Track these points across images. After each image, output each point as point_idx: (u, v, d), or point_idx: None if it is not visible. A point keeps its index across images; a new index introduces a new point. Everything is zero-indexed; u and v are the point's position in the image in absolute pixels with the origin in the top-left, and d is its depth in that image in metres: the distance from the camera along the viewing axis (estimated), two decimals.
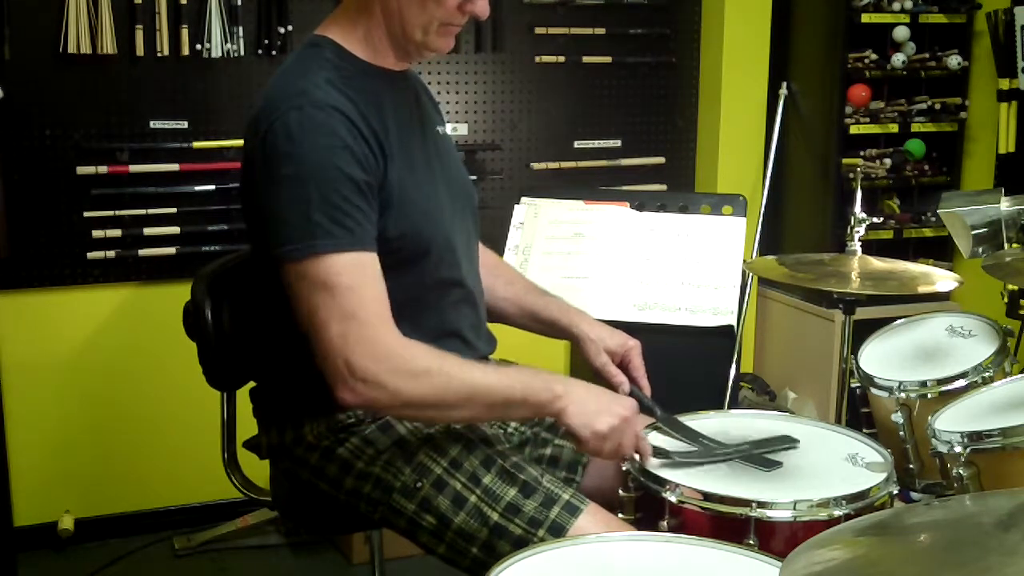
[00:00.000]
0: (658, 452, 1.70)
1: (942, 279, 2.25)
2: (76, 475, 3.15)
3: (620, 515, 1.66)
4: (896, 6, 3.51)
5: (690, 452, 1.73)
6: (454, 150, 1.93)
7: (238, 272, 1.96)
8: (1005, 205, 2.42)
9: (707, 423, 1.85)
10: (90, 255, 3.03)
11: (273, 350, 1.78)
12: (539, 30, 3.42)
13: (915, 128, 3.60)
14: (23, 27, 2.90)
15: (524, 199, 2.63)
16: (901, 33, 3.55)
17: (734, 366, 3.37)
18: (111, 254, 3.04)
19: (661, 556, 1.40)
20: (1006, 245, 2.41)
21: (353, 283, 1.57)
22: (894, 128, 3.59)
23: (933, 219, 3.58)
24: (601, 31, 3.48)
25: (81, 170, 2.99)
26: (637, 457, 1.67)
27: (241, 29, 3.06)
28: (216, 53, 3.03)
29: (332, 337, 1.56)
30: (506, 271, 2.10)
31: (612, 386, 1.86)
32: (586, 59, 3.49)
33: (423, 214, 1.71)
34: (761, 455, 1.71)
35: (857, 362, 2.33)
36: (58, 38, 2.90)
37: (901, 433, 2.17)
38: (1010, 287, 2.43)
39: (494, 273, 2.00)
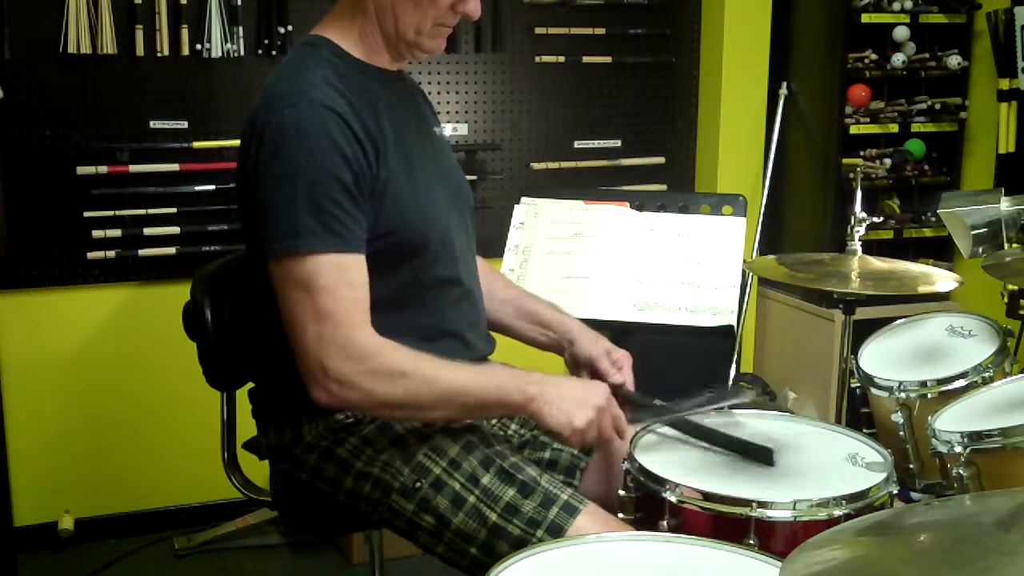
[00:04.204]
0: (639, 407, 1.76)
1: (942, 279, 2.25)
2: (76, 475, 3.15)
3: (620, 515, 1.66)
4: (896, 6, 3.52)
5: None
6: (450, 151, 1.94)
7: (238, 272, 1.96)
8: (1005, 205, 2.42)
9: (706, 423, 1.84)
10: (90, 255, 3.03)
11: (271, 350, 1.78)
12: (539, 30, 3.42)
13: (915, 128, 3.60)
14: (23, 27, 2.90)
15: (524, 199, 2.63)
16: (901, 33, 3.55)
17: (734, 366, 3.37)
18: (111, 254, 3.04)
19: (661, 556, 1.40)
20: (1006, 245, 2.41)
21: (331, 284, 1.58)
22: (894, 128, 3.59)
23: (933, 219, 3.58)
24: (601, 31, 3.48)
25: (81, 170, 2.99)
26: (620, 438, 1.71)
27: (241, 29, 3.06)
28: (216, 53, 3.03)
29: (307, 337, 1.58)
30: (503, 278, 2.12)
31: (602, 377, 1.87)
32: (586, 59, 3.49)
33: (420, 210, 1.71)
34: (751, 443, 1.72)
35: (857, 362, 2.33)
36: (58, 38, 2.90)
37: (901, 433, 2.17)
38: (1010, 287, 2.43)
39: (492, 277, 2.01)
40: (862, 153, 3.60)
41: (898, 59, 3.52)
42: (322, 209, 1.58)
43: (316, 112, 1.60)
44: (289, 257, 1.58)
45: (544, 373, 1.70)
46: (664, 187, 3.61)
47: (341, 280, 1.59)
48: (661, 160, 3.66)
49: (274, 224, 1.59)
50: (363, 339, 1.59)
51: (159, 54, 3.00)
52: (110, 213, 3.02)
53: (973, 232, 2.44)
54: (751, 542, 1.51)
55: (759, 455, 1.71)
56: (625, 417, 1.74)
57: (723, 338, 2.39)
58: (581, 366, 1.92)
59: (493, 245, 2.63)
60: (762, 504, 1.54)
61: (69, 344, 3.10)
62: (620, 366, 1.89)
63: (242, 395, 1.94)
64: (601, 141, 3.58)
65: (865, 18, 3.48)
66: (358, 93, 1.66)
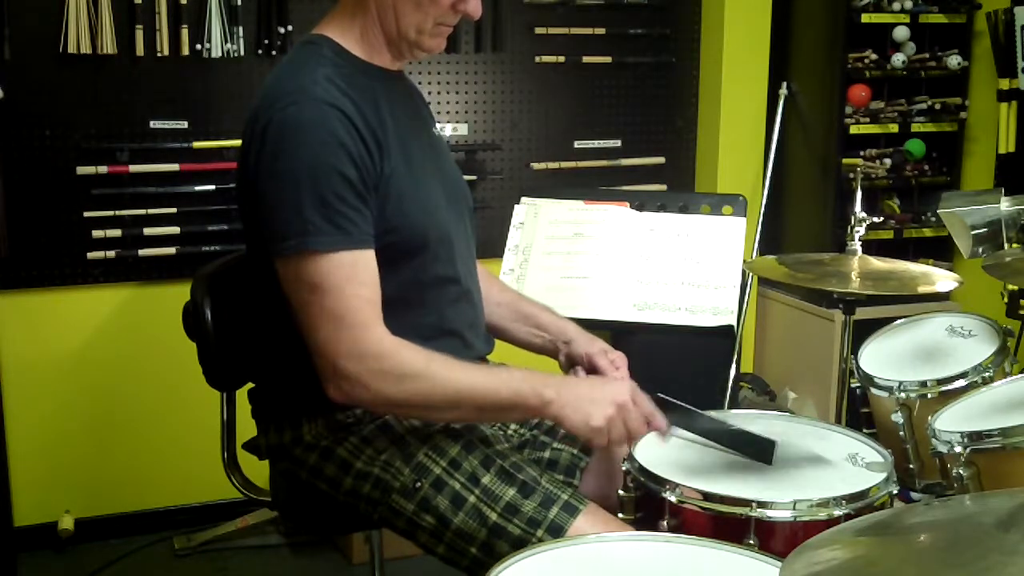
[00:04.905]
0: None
1: (942, 279, 2.25)
2: (76, 475, 3.15)
3: (620, 515, 1.66)
4: (896, 6, 3.51)
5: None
6: (449, 151, 1.95)
7: (238, 272, 1.95)
8: (1005, 205, 2.42)
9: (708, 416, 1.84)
10: (90, 255, 3.03)
11: (271, 350, 1.78)
12: (539, 30, 3.42)
13: (915, 128, 3.60)
14: (23, 27, 2.90)
15: (524, 199, 2.63)
16: (901, 33, 3.55)
17: (734, 366, 3.37)
18: (111, 254, 3.04)
19: (661, 556, 1.40)
20: (1006, 245, 2.41)
21: (342, 283, 1.57)
22: (894, 128, 3.59)
23: (933, 219, 3.58)
24: (601, 31, 3.48)
25: (81, 170, 2.99)
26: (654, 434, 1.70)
27: (241, 29, 3.06)
28: (216, 53, 3.03)
29: (319, 336, 1.58)
30: (499, 282, 2.13)
31: (599, 374, 1.87)
32: (586, 59, 3.49)
33: (420, 209, 1.71)
34: (753, 436, 1.72)
35: (857, 362, 2.33)
36: (58, 38, 2.90)
37: (901, 433, 2.17)
38: (1010, 287, 2.43)
39: (488, 281, 2.01)
40: (862, 153, 3.60)
41: (898, 59, 3.52)
42: (328, 205, 1.58)
43: (319, 109, 1.60)
44: (297, 256, 1.58)
45: (560, 375, 1.69)
46: (664, 187, 3.61)
47: (350, 279, 1.59)
48: (661, 160, 3.65)
49: (280, 222, 1.59)
50: (374, 339, 1.59)
51: (159, 54, 3.00)
52: (110, 213, 3.02)
53: (973, 232, 2.44)
54: (751, 542, 1.51)
55: (760, 447, 1.71)
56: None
57: (723, 338, 2.40)
58: (577, 364, 1.92)
59: (493, 245, 2.63)
60: (762, 504, 1.54)
61: (69, 344, 3.10)
62: (617, 366, 1.89)
63: (242, 395, 1.94)
64: (601, 141, 3.58)
65: (865, 18, 3.48)
66: (360, 92, 1.66)
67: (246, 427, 1.92)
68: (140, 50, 2.98)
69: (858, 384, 2.34)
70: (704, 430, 1.77)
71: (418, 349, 1.61)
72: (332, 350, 1.57)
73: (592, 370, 1.89)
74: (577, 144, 3.55)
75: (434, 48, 1.75)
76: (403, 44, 1.73)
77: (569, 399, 1.63)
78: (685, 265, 2.45)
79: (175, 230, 3.09)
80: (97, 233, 3.02)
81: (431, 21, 1.70)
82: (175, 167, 3.07)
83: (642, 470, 1.66)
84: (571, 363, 1.93)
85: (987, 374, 2.13)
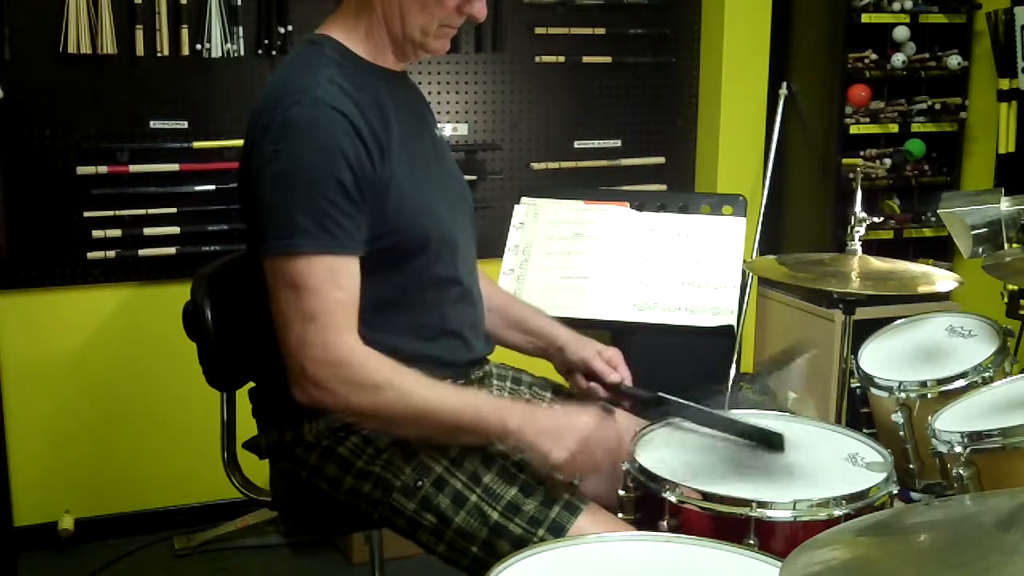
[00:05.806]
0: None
1: (942, 279, 2.25)
2: (76, 475, 3.15)
3: (620, 515, 1.66)
4: (896, 6, 3.52)
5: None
6: (450, 152, 1.95)
7: (238, 272, 1.95)
8: (1005, 205, 2.42)
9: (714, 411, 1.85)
10: (90, 255, 3.03)
11: (271, 350, 1.78)
12: (539, 30, 3.42)
13: (915, 128, 3.60)
14: (23, 27, 2.90)
15: (524, 199, 2.63)
16: (901, 33, 3.55)
17: (734, 366, 3.37)
18: (111, 254, 3.04)
19: (661, 556, 1.40)
20: (1006, 245, 2.41)
21: (321, 286, 1.58)
22: (894, 128, 3.59)
23: (933, 219, 3.58)
24: (601, 31, 3.48)
25: (81, 170, 2.99)
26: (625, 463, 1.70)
27: (241, 29, 3.06)
28: (216, 53, 3.03)
29: (291, 336, 1.59)
30: (492, 285, 2.13)
31: (599, 379, 1.87)
32: (586, 59, 3.49)
33: (422, 209, 1.72)
34: (760, 430, 1.72)
35: (857, 362, 2.33)
36: (58, 38, 2.90)
37: (901, 433, 2.17)
38: (1010, 287, 2.43)
39: (482, 284, 2.01)
40: (862, 153, 3.60)
41: (898, 59, 3.52)
42: (319, 210, 1.58)
43: (321, 111, 1.60)
44: (282, 255, 1.59)
45: (528, 404, 1.69)
46: (664, 187, 3.61)
47: (330, 282, 1.59)
48: (661, 160, 3.65)
49: (271, 222, 1.60)
50: (344, 345, 1.59)
51: (159, 54, 3.00)
52: (110, 213, 3.02)
53: (973, 232, 2.44)
54: (751, 542, 1.51)
55: (769, 439, 1.71)
56: (628, 413, 1.74)
57: (723, 338, 2.40)
58: (574, 370, 1.92)
59: (493, 245, 2.63)
60: (762, 504, 1.55)
61: (69, 344, 3.10)
62: (615, 364, 1.89)
63: (242, 395, 1.94)
64: (601, 141, 3.58)
65: (865, 18, 3.48)
66: (364, 92, 1.66)
67: (246, 427, 1.92)
68: (140, 50, 2.98)
69: (858, 384, 2.34)
70: (712, 424, 1.78)
71: (386, 360, 1.61)
72: (302, 352, 1.58)
73: (590, 375, 1.89)
74: (577, 144, 3.55)
75: (439, 49, 1.75)
76: (408, 45, 1.73)
77: (530, 432, 1.61)
78: (685, 265, 2.45)
79: (175, 230, 3.09)
80: (97, 233, 3.02)
81: (436, 22, 1.70)
82: (175, 167, 3.07)
83: (642, 470, 1.66)
84: (568, 371, 1.93)
85: (987, 374, 2.13)
